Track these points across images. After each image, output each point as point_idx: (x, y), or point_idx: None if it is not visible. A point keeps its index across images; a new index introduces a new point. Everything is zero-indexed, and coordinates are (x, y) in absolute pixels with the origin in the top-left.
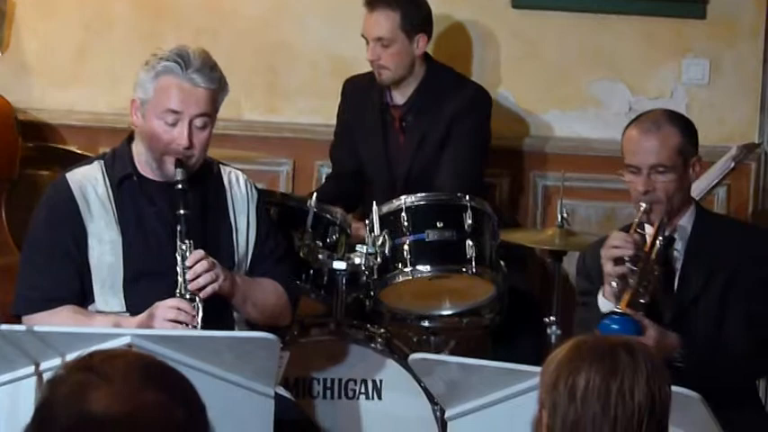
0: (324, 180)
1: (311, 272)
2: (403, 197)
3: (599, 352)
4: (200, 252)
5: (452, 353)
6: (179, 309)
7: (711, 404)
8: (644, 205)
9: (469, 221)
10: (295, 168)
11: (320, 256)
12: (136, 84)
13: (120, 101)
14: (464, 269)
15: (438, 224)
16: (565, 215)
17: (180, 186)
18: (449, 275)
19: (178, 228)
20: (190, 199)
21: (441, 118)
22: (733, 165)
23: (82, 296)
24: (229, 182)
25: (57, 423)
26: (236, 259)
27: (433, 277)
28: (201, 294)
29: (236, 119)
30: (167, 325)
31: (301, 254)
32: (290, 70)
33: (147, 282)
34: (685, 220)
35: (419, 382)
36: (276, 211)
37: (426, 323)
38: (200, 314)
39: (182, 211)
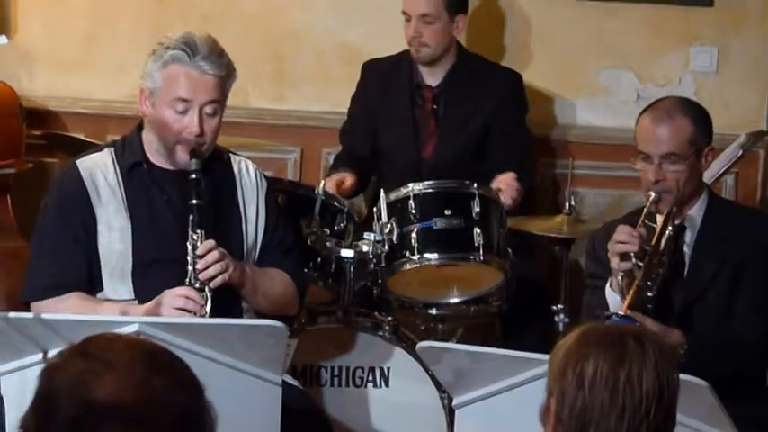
0: (331, 166)
1: (319, 260)
2: (411, 185)
3: (607, 340)
4: (212, 242)
5: (460, 341)
6: (187, 297)
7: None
8: (653, 194)
9: (477, 209)
10: (303, 156)
11: (328, 244)
12: (144, 73)
13: (128, 88)
14: (472, 257)
15: (446, 212)
16: (573, 203)
17: (194, 176)
18: (456, 263)
19: (190, 217)
20: (203, 189)
21: (481, 105)
22: (741, 152)
23: (91, 283)
24: (239, 171)
25: (61, 412)
26: (245, 249)
27: (440, 265)
28: (212, 284)
29: (243, 106)
30: (175, 313)
31: (309, 242)
32: (297, 58)
33: (156, 270)
34: (696, 210)
35: (427, 369)
36: (284, 198)
37: (434, 311)
38: (209, 304)
39: (194, 201)
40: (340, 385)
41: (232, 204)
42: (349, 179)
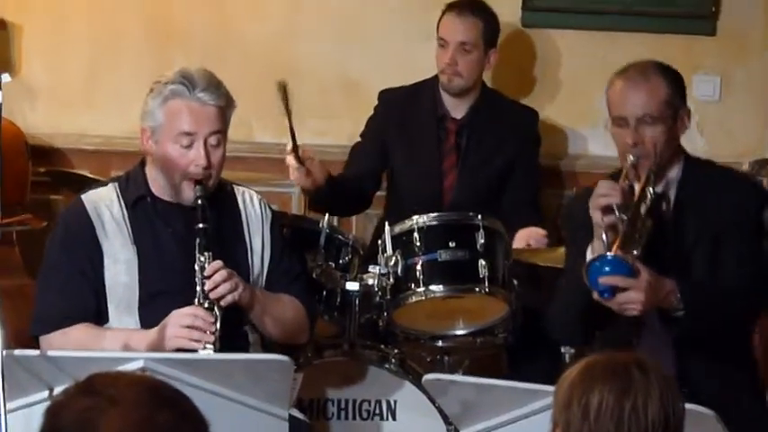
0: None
1: (324, 293)
2: (415, 217)
3: (612, 370)
4: (219, 262)
5: (466, 373)
6: (195, 315)
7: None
8: (631, 158)
9: (482, 241)
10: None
11: (333, 277)
12: (143, 112)
13: (131, 124)
14: (477, 288)
15: (450, 244)
16: None
17: (200, 202)
18: (462, 295)
19: (197, 241)
20: (208, 214)
21: (504, 143)
22: None
23: (98, 316)
24: (243, 202)
25: None
26: (251, 279)
27: (446, 297)
28: (222, 302)
29: (247, 141)
30: (183, 332)
31: (314, 275)
32: (300, 91)
33: (162, 302)
34: (674, 173)
35: (433, 402)
36: (288, 232)
37: (440, 343)
38: (218, 323)
39: (200, 225)
40: (347, 418)
41: (237, 235)
42: (320, 167)
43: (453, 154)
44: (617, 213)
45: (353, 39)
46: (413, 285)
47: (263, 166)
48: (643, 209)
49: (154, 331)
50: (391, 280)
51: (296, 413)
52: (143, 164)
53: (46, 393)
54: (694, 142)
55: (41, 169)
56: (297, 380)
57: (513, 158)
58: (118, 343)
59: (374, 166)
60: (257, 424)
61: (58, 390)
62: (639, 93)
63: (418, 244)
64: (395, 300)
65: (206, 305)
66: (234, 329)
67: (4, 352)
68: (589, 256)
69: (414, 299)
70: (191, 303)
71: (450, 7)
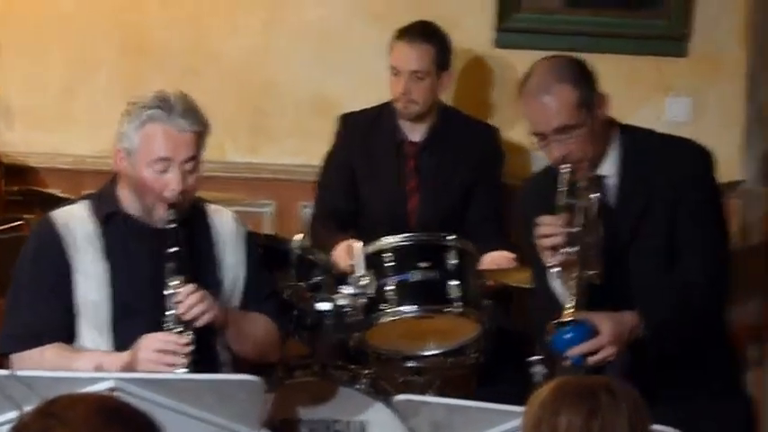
0: (313, 221)
1: (295, 313)
2: (386, 237)
3: (580, 393)
4: (192, 286)
5: (437, 393)
6: (167, 341)
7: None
8: (567, 167)
9: (453, 261)
10: (279, 209)
11: (304, 297)
12: (119, 134)
13: (104, 143)
14: (448, 309)
15: (422, 264)
16: None
17: (172, 225)
18: (433, 315)
19: (169, 264)
20: (181, 236)
21: (463, 162)
22: None
23: (69, 332)
24: (215, 218)
25: None
26: (223, 296)
27: (417, 317)
28: (198, 323)
29: (219, 160)
30: (154, 356)
31: (285, 295)
32: (274, 111)
33: (133, 319)
34: (612, 156)
35: (405, 422)
36: (260, 252)
37: (411, 363)
38: (191, 347)
39: (173, 249)
40: None
41: (209, 252)
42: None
43: (414, 177)
44: (566, 249)
45: (329, 58)
46: (384, 306)
47: (236, 186)
48: (591, 222)
49: (126, 354)
50: (362, 300)
51: None
52: (114, 181)
53: (15, 413)
54: None
55: (15, 188)
56: (267, 400)
57: (474, 176)
58: (91, 364)
59: (352, 190)
60: None
61: (27, 409)
62: (549, 107)
63: (389, 264)
64: (366, 320)
65: (178, 329)
66: (206, 350)
67: None
68: (550, 279)
69: (385, 319)
70: (162, 321)
71: (400, 34)
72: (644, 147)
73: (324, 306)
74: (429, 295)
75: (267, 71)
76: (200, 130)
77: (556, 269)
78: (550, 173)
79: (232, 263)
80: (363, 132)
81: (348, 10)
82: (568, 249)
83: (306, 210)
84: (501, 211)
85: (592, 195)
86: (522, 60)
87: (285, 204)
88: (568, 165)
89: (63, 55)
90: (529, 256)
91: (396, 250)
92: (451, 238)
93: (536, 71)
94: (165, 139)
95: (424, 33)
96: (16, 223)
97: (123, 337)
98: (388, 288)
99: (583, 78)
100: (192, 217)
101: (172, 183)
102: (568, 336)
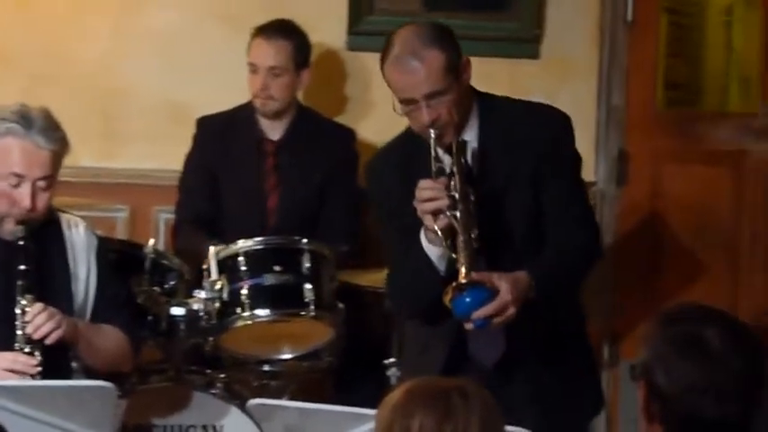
0: (179, 226)
1: (149, 318)
2: (240, 241)
3: (432, 395)
4: (40, 305)
5: (293, 397)
6: (15, 360)
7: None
8: (434, 132)
9: (307, 264)
10: (133, 214)
11: (158, 302)
12: None
13: None
14: (303, 312)
15: (276, 268)
16: None
17: (21, 242)
18: (288, 319)
19: (18, 282)
20: (31, 254)
21: (319, 161)
22: None
23: None
24: (68, 229)
25: None
26: (75, 308)
27: (271, 321)
28: (48, 341)
29: (72, 165)
30: (3, 375)
31: (139, 300)
32: (125, 116)
33: None
34: (473, 121)
35: (259, 427)
36: (114, 257)
37: (266, 367)
38: (40, 366)
39: (22, 267)
40: None
41: (61, 264)
42: None
43: (273, 175)
44: (448, 213)
45: (179, 61)
46: (238, 310)
47: (88, 191)
48: (463, 186)
49: None
50: (217, 304)
51: None
52: None
53: None
54: None
55: None
56: (120, 406)
57: (329, 177)
58: None
59: (213, 193)
60: None
61: None
62: (418, 73)
63: (243, 268)
64: (221, 324)
65: (27, 349)
66: (57, 362)
67: None
68: (424, 243)
69: (239, 323)
70: (12, 337)
71: (258, 31)
72: (503, 112)
73: (178, 311)
74: (283, 299)
75: (117, 75)
76: (58, 149)
77: (438, 234)
78: (401, 145)
79: (84, 273)
80: (221, 133)
81: (199, 13)
82: (452, 212)
83: (161, 214)
84: (354, 215)
85: (463, 159)
86: (376, 62)
87: (139, 209)
88: (437, 130)
89: None
90: (387, 235)
91: (249, 254)
92: (305, 241)
93: (399, 38)
94: (20, 155)
95: (283, 30)
96: None
97: None
98: (242, 292)
99: (448, 42)
100: (45, 228)
101: (22, 200)
102: (468, 299)
